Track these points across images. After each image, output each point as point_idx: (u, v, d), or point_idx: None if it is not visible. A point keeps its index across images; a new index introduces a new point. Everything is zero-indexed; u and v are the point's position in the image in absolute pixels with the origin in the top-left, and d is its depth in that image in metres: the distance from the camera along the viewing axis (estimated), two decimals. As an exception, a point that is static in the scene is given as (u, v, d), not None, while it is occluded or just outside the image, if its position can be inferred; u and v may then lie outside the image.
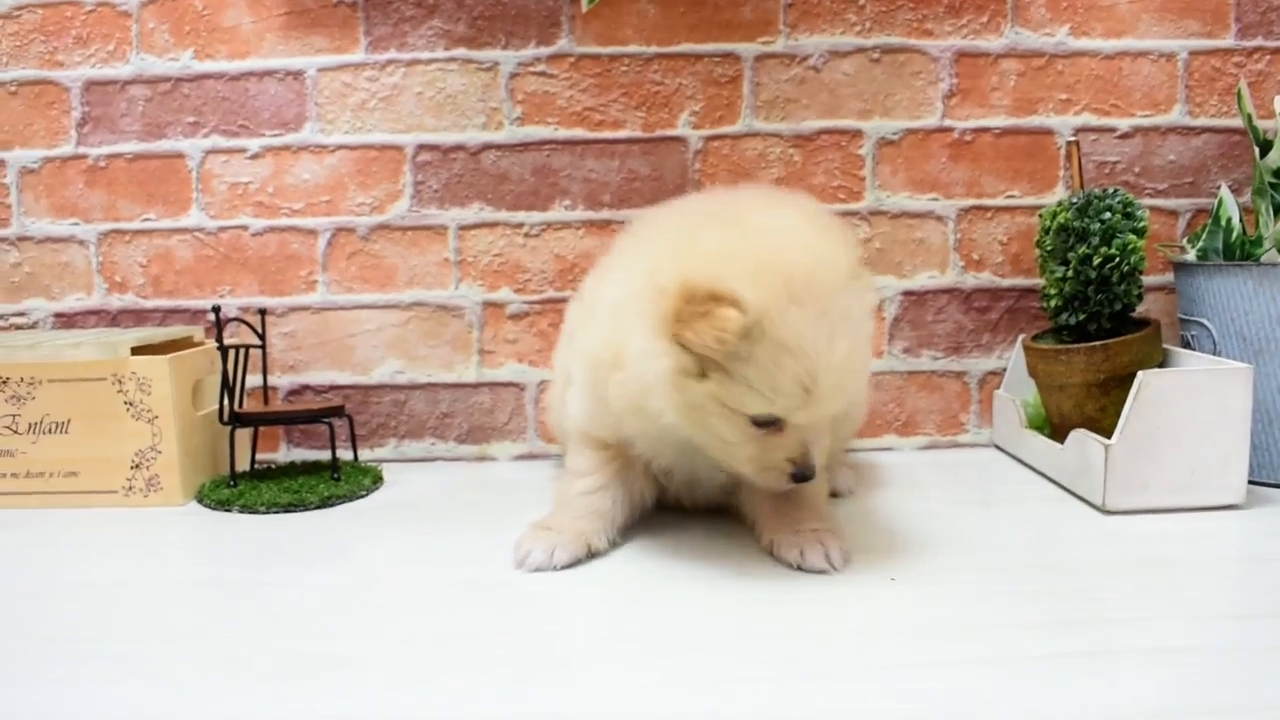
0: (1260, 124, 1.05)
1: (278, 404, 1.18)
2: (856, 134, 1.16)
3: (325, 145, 1.17)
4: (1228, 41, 1.15)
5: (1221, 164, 1.17)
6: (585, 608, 0.72)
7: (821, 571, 0.76)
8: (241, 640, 0.66)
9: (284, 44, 1.16)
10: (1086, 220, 0.96)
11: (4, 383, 0.99)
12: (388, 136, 1.16)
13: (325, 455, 1.17)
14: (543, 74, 1.15)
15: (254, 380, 1.14)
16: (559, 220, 1.17)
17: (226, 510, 0.98)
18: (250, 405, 1.13)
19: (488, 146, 1.16)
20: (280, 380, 1.19)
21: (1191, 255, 1.05)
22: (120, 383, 0.99)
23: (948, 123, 1.16)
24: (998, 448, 1.17)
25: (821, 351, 0.69)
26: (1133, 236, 0.95)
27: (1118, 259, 0.94)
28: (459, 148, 1.16)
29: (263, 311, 1.14)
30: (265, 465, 1.13)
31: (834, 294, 0.70)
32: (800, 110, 1.16)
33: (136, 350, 1.00)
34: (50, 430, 1.00)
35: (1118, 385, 0.94)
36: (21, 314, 1.20)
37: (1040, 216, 1.03)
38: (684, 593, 0.73)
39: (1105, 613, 0.69)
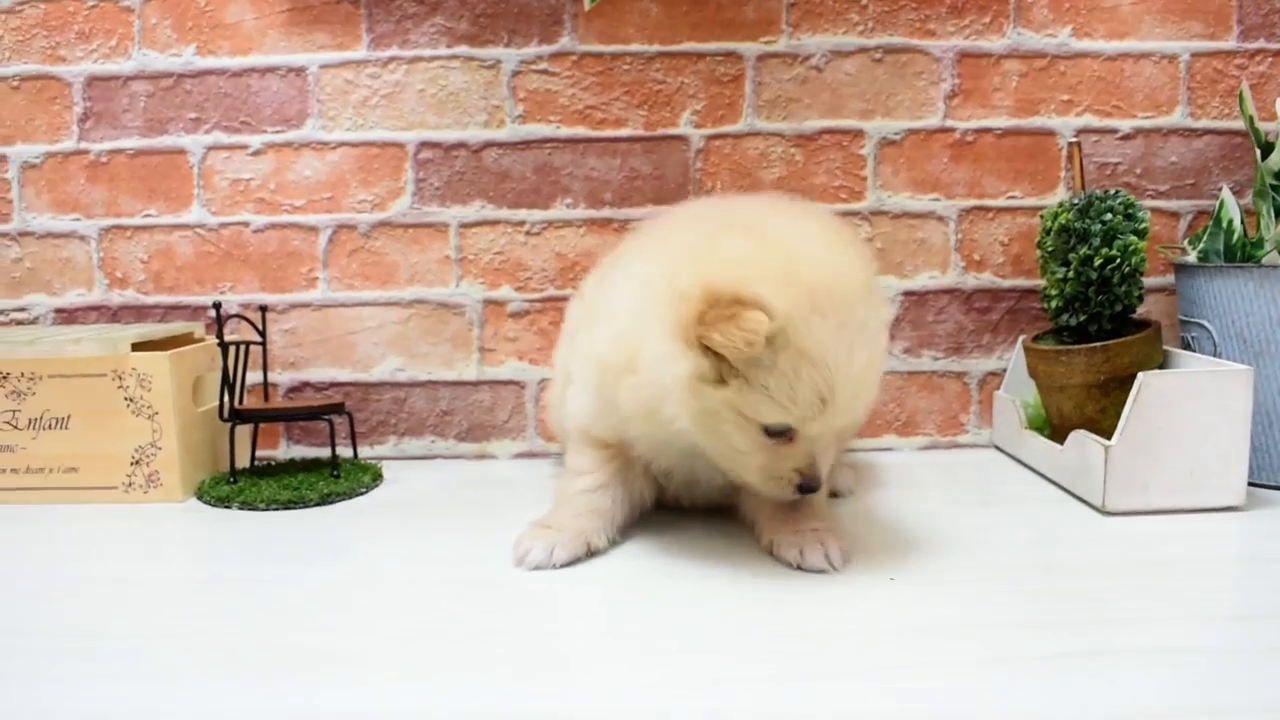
0: (1262, 126, 1.05)
1: (278, 401, 1.18)
2: (858, 134, 1.16)
3: (327, 142, 1.17)
4: (1230, 43, 1.15)
5: (1223, 166, 1.17)
6: (585, 606, 0.72)
7: (821, 571, 0.76)
8: (241, 637, 0.66)
9: (286, 40, 1.15)
10: (1088, 221, 0.96)
11: (4, 378, 0.99)
12: (389, 134, 1.16)
13: (325, 452, 1.17)
14: (545, 72, 1.15)
15: (254, 377, 1.14)
16: (560, 218, 1.17)
17: (226, 507, 0.98)
18: (250, 402, 1.13)
19: (489, 144, 1.16)
20: (280, 377, 1.19)
21: (1192, 257, 1.05)
22: (120, 379, 0.99)
23: (949, 123, 1.16)
24: (998, 448, 1.17)
25: (841, 363, 0.69)
26: (1134, 238, 0.95)
27: (1119, 260, 0.94)
28: (461, 145, 1.16)
29: (263, 308, 1.14)
30: (265, 462, 1.13)
31: (853, 306, 0.71)
32: (802, 110, 1.16)
33: (137, 346, 1.00)
34: (50, 426, 1.00)
35: (1118, 386, 0.94)
36: (22, 309, 1.20)
37: (1041, 217, 1.03)
38: (684, 592, 0.74)
39: (1105, 613, 0.69)
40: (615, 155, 1.16)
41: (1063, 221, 0.98)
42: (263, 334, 1.12)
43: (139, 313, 1.19)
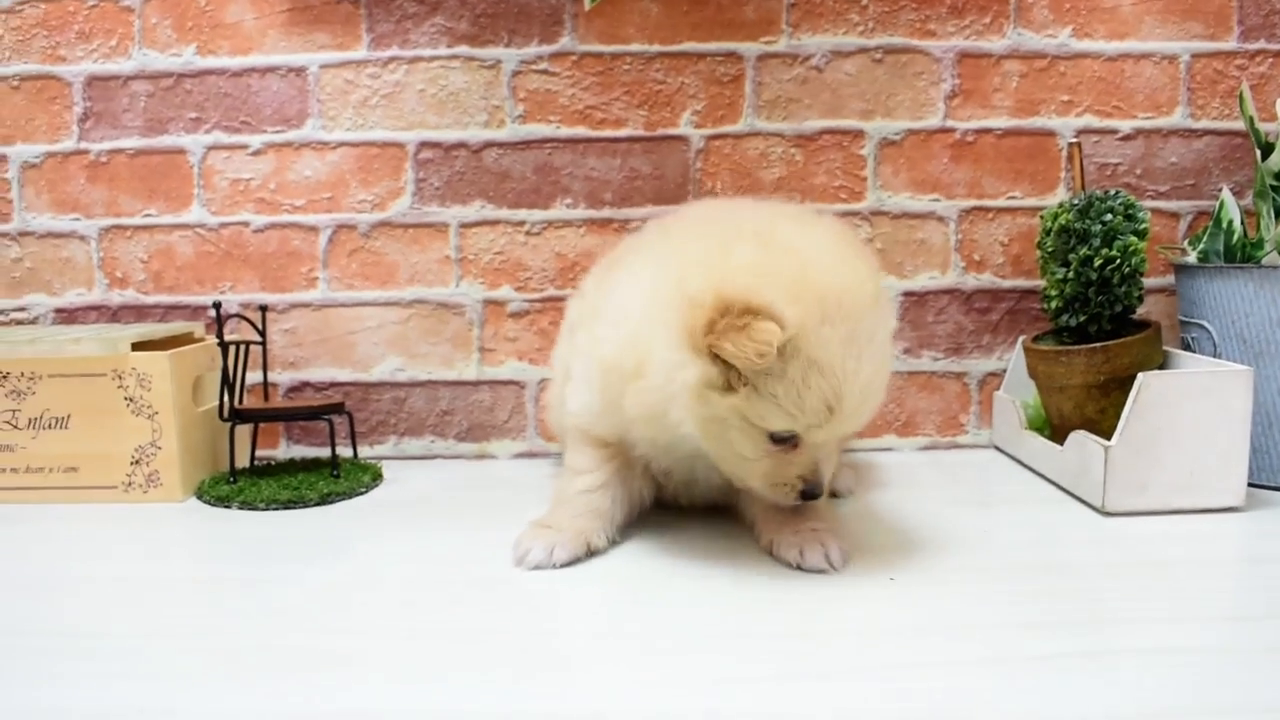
0: (1262, 127, 1.05)
1: (278, 401, 1.18)
2: (858, 134, 1.16)
3: (327, 142, 1.17)
4: (1230, 44, 1.15)
5: (1223, 166, 1.17)
6: (584, 606, 0.72)
7: (821, 571, 0.76)
8: (241, 637, 0.66)
9: (286, 40, 1.16)
10: (1088, 222, 0.96)
11: (4, 378, 0.99)
12: (389, 134, 1.16)
13: (325, 452, 1.17)
14: (545, 72, 1.15)
15: (254, 377, 1.14)
16: (560, 218, 1.17)
17: (226, 507, 0.98)
18: (250, 402, 1.13)
19: (489, 144, 1.16)
20: (280, 377, 1.19)
21: (1192, 257, 1.05)
22: (120, 378, 0.99)
23: (950, 123, 1.16)
24: (997, 449, 1.17)
25: (849, 372, 0.70)
26: (1134, 238, 0.95)
27: (1119, 261, 0.94)
28: (461, 145, 1.16)
29: (263, 308, 1.14)
30: (265, 462, 1.13)
31: (862, 315, 0.71)
32: (802, 110, 1.16)
33: (137, 346, 1.00)
34: (50, 425, 1.00)
35: (1118, 387, 0.94)
36: (22, 309, 1.20)
37: (1041, 218, 1.03)
38: (684, 592, 0.74)
39: (1104, 613, 0.69)
40: (615, 155, 1.16)
41: (1063, 222, 0.98)
42: (263, 334, 1.12)
43: (139, 312, 1.19)
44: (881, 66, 1.16)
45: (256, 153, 1.17)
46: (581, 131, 1.16)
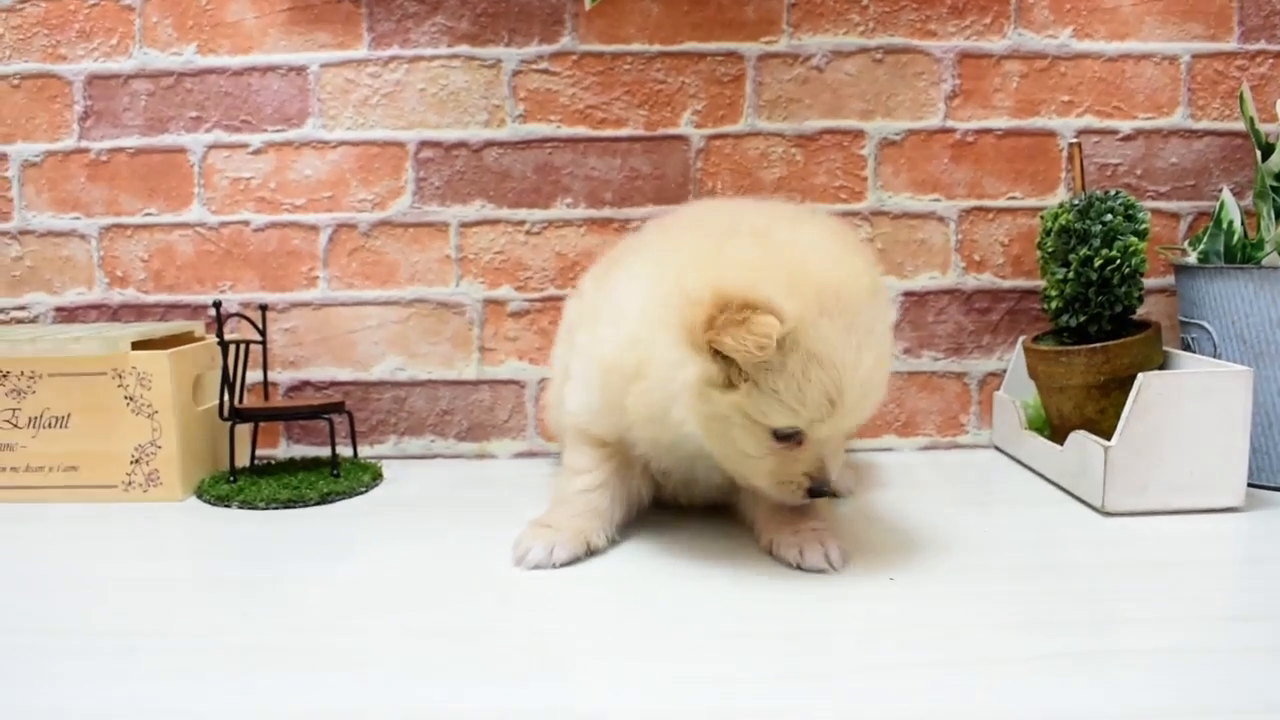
0: (1262, 127, 1.05)
1: (278, 400, 1.18)
2: (859, 134, 1.16)
3: (327, 141, 1.17)
4: (1230, 45, 1.15)
5: (1223, 167, 1.17)
6: (584, 605, 0.72)
7: (821, 571, 0.76)
8: (240, 636, 0.66)
9: (287, 39, 1.16)
10: (1088, 222, 0.96)
11: (4, 376, 0.99)
12: (390, 133, 1.16)
13: (325, 452, 1.17)
14: (545, 71, 1.15)
15: (254, 376, 1.14)
16: (560, 218, 1.17)
17: (226, 506, 0.98)
18: (250, 401, 1.13)
19: (490, 144, 1.16)
20: (281, 376, 1.19)
21: (1192, 258, 1.05)
22: (120, 377, 0.99)
23: (950, 124, 1.16)
24: (997, 449, 1.17)
25: (849, 364, 0.70)
26: (1134, 239, 0.95)
27: (1119, 261, 0.94)
28: (461, 145, 1.16)
29: (264, 307, 1.14)
30: (265, 461, 1.13)
31: (860, 308, 0.71)
32: (803, 110, 1.16)
33: (137, 345, 1.00)
34: (50, 424, 1.00)
35: (1118, 387, 0.94)
36: (22, 308, 1.20)
37: (1041, 218, 1.03)
38: (683, 591, 0.74)
39: (1104, 613, 0.69)
40: (616, 155, 1.16)
41: (1063, 222, 0.98)
42: (263, 333, 1.12)
43: (139, 311, 1.19)
44: (882, 67, 1.16)
45: (257, 152, 1.17)
46: (582, 131, 1.16)
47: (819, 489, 0.75)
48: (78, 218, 1.18)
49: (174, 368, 1.00)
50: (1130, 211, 0.96)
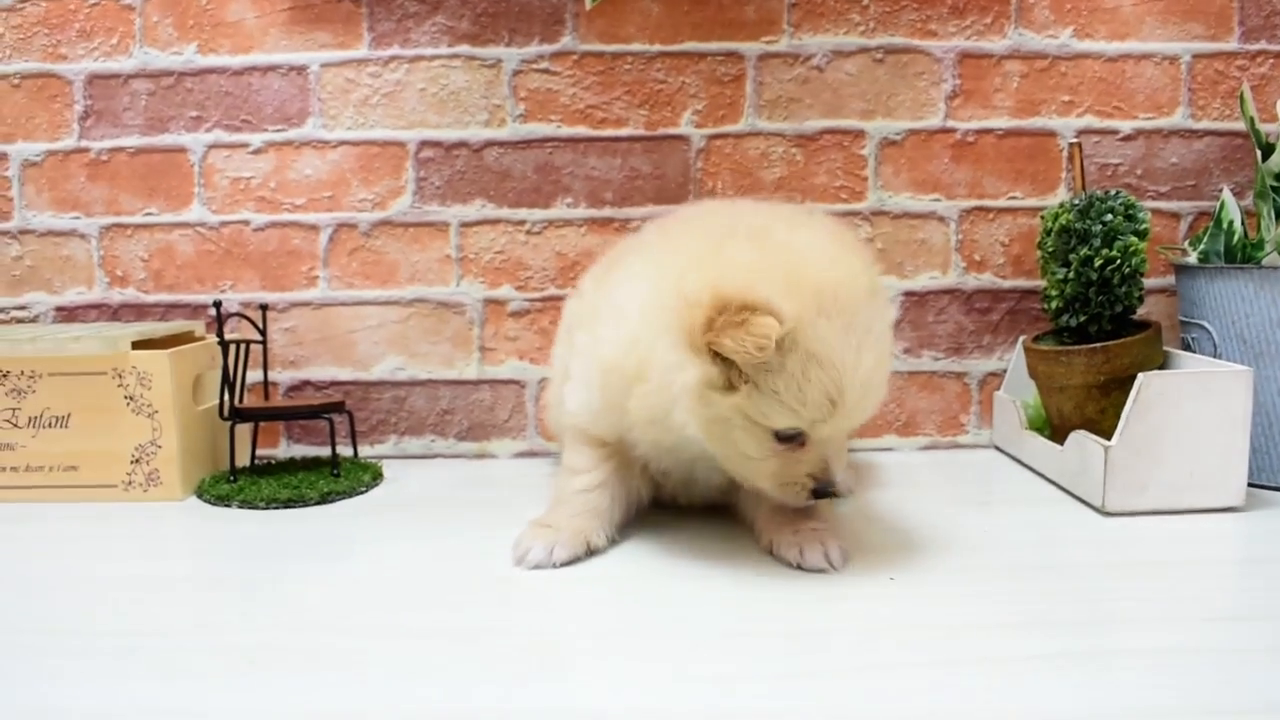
0: (1263, 127, 1.05)
1: (278, 400, 1.18)
2: (859, 134, 1.16)
3: (328, 141, 1.17)
4: (1231, 45, 1.15)
5: (1224, 167, 1.17)
6: (584, 605, 0.72)
7: (821, 571, 0.76)
8: (240, 636, 0.66)
9: (287, 39, 1.16)
10: (1088, 222, 0.96)
11: (4, 376, 0.99)
12: (390, 133, 1.16)
13: (325, 451, 1.17)
14: (546, 71, 1.15)
15: (254, 376, 1.14)
16: (561, 218, 1.17)
17: (226, 506, 0.98)
18: (251, 401, 1.13)
19: (490, 143, 1.16)
20: (281, 376, 1.19)
21: (1193, 258, 1.05)
22: (120, 377, 0.99)
23: (950, 124, 1.16)
24: (998, 449, 1.17)
25: (849, 363, 0.70)
26: (1134, 239, 0.95)
27: (1119, 261, 0.94)
28: (461, 144, 1.16)
29: (264, 307, 1.14)
30: (265, 461, 1.13)
31: (858, 307, 0.71)
32: (803, 110, 1.16)
33: (137, 345, 1.00)
34: (50, 424, 1.00)
35: (1118, 387, 0.94)
36: (22, 307, 1.20)
37: (1042, 218, 1.03)
38: (683, 590, 0.74)
39: (1104, 613, 0.69)
40: (616, 155, 1.16)
41: (1063, 222, 0.98)
42: (263, 333, 1.12)
43: (139, 311, 1.19)
44: (882, 66, 1.16)
45: (257, 151, 1.17)
46: (582, 131, 1.16)
47: (823, 490, 0.75)
48: (78, 217, 1.18)
49: (174, 367, 1.00)
50: (1130, 211, 0.96)
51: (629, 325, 0.77)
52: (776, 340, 0.67)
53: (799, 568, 0.76)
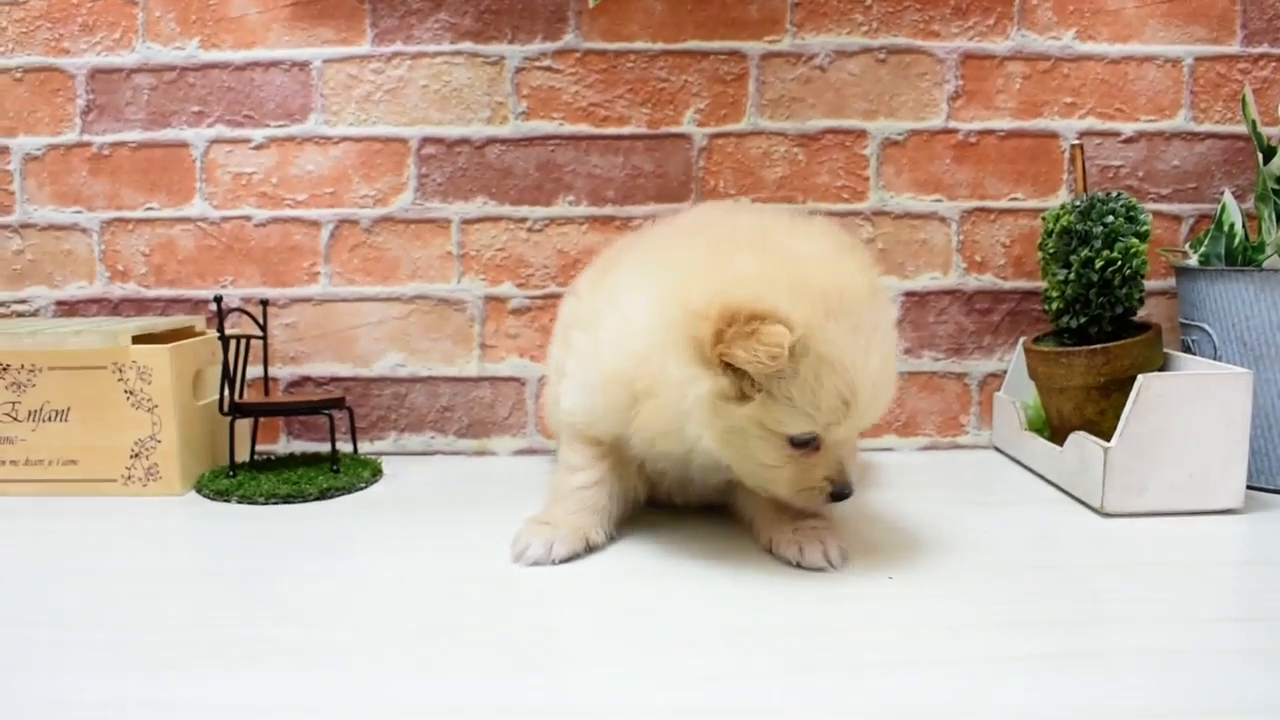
0: (1264, 130, 1.05)
1: (278, 395, 1.18)
2: (861, 134, 1.16)
3: (330, 137, 1.17)
4: (1233, 48, 1.16)
5: (1225, 170, 1.17)
6: (583, 602, 0.72)
7: (820, 569, 0.76)
8: (239, 630, 0.66)
9: (290, 35, 1.15)
10: (1089, 224, 0.96)
11: (4, 370, 0.99)
12: (392, 129, 1.16)
13: (325, 447, 1.17)
14: (548, 69, 1.15)
15: (255, 371, 1.14)
16: (562, 215, 1.17)
17: (225, 500, 0.98)
18: (250, 396, 1.13)
19: (492, 140, 1.16)
20: (281, 371, 1.19)
21: (1193, 260, 1.05)
22: (121, 371, 0.99)
23: (952, 124, 1.16)
24: (997, 449, 1.17)
25: (859, 364, 0.70)
26: (1135, 240, 0.95)
27: (1120, 263, 0.94)
28: (463, 141, 1.16)
29: (264, 302, 1.14)
30: (265, 456, 1.13)
31: (863, 308, 0.72)
32: (805, 109, 1.16)
33: (137, 339, 1.00)
34: (50, 418, 1.00)
35: (1118, 389, 0.94)
36: (23, 301, 1.20)
37: (1043, 219, 1.03)
38: (682, 588, 0.74)
39: (1103, 614, 0.69)
40: (618, 153, 1.16)
41: (1064, 223, 0.98)
42: (263, 328, 1.12)
43: (140, 306, 1.19)
44: (885, 67, 1.16)
45: (259, 147, 1.17)
46: (584, 129, 1.16)
47: (841, 492, 0.76)
48: (79, 211, 1.18)
49: (174, 362, 1.00)
50: (1132, 213, 0.96)
51: (636, 341, 0.76)
52: (788, 347, 0.68)
53: (798, 566, 0.76)
